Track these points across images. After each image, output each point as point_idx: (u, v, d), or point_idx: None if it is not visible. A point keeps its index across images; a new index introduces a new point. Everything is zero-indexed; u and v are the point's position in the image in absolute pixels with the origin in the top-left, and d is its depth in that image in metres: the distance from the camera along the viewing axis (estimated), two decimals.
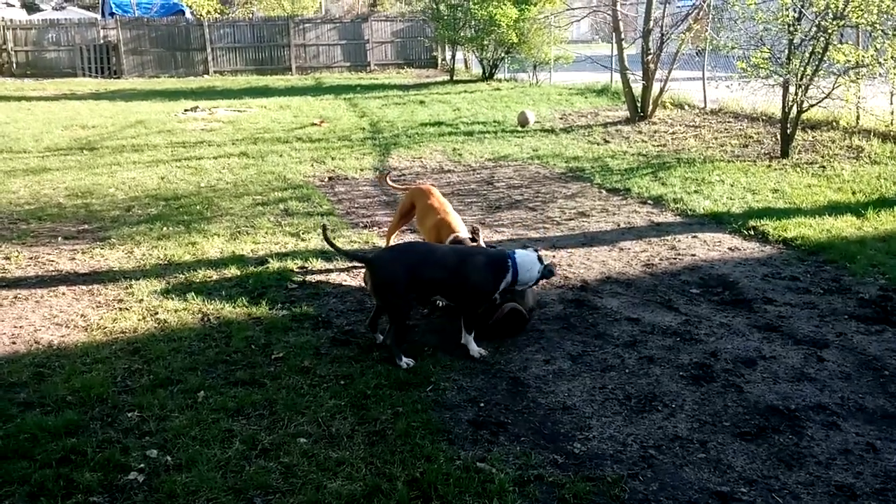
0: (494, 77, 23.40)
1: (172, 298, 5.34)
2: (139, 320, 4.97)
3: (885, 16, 9.39)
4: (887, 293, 5.35)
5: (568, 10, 20.69)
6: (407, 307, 4.40)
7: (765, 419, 3.70)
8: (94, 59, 26.82)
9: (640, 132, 12.63)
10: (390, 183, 6.79)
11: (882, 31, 9.40)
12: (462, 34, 22.99)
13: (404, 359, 4.30)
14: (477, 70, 25.27)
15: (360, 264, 4.43)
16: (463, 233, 5.21)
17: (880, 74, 9.71)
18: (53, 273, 6.00)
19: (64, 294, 5.51)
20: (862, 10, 9.20)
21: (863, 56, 9.47)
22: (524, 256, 4.48)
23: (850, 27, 10.23)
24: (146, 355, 4.43)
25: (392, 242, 6.08)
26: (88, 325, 4.91)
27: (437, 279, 4.36)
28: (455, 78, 23.87)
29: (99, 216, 7.74)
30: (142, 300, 5.33)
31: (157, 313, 5.08)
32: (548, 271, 4.56)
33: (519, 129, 13.32)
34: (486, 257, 4.47)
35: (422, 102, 17.15)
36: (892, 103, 10.89)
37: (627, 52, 14.52)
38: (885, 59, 9.37)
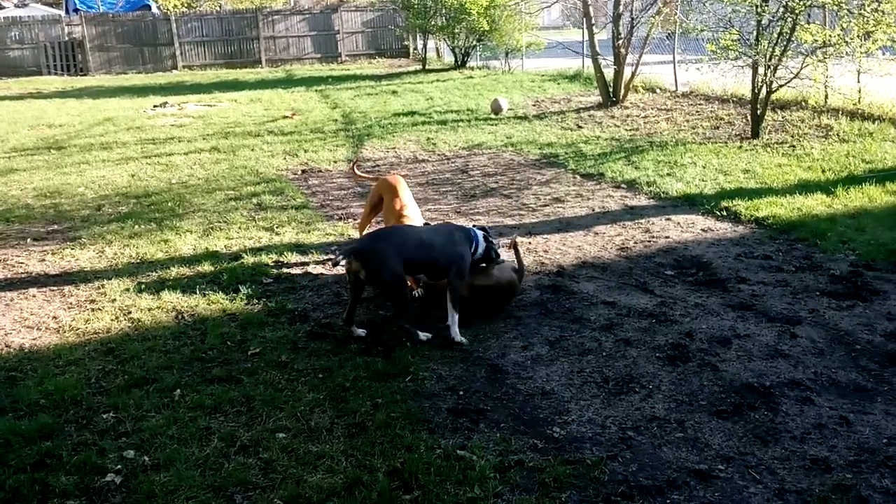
0: (467, 65, 23.34)
1: (145, 297, 5.28)
2: (112, 320, 4.91)
3: None
4: (857, 269, 5.43)
5: None
6: (405, 287, 4.49)
7: (740, 397, 3.74)
8: (60, 56, 26.35)
9: (612, 117, 12.68)
10: (357, 172, 6.76)
11: (848, 10, 9.50)
12: (433, 23, 22.90)
13: (421, 333, 4.47)
14: (449, 58, 25.19)
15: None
16: None
17: (847, 53, 9.81)
18: (23, 275, 5.90)
19: (34, 296, 5.42)
20: None
21: (829, 35, 9.56)
22: (475, 231, 4.84)
23: (817, 7, 10.33)
24: (120, 355, 4.38)
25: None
26: (60, 326, 4.84)
27: (422, 258, 4.52)
28: (427, 67, 23.77)
29: (68, 216, 7.62)
30: (114, 300, 5.26)
31: (130, 313, 5.02)
32: (493, 252, 4.84)
33: (492, 116, 13.31)
34: (459, 230, 4.78)
35: (394, 92, 17.06)
36: (858, 81, 11.02)
37: (598, 37, 14.54)
38: (851, 38, 9.48)
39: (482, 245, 4.78)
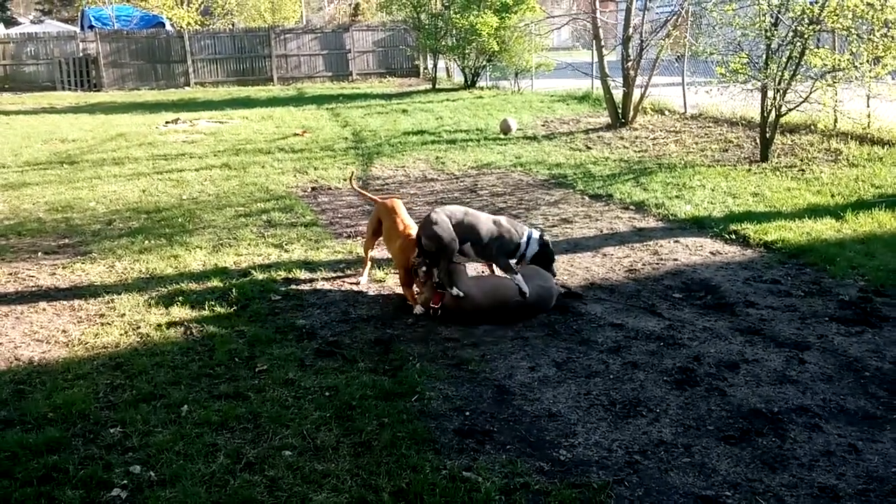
0: (476, 85, 23.49)
1: (155, 312, 5.31)
2: (121, 335, 4.93)
3: (859, 20, 9.52)
4: (867, 294, 5.41)
5: (548, 17, 20.84)
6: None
7: (748, 422, 3.72)
8: (74, 72, 26.65)
9: (621, 138, 12.72)
10: (355, 186, 6.88)
11: (857, 34, 9.53)
12: (443, 43, 23.09)
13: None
14: (459, 78, 25.36)
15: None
16: None
17: (856, 78, 9.83)
18: (34, 288, 5.94)
19: (44, 310, 5.46)
20: (837, 15, 9.33)
21: (839, 60, 9.59)
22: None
23: (826, 32, 10.37)
24: (128, 370, 4.39)
25: (370, 257, 6.06)
26: (70, 340, 4.87)
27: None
28: (437, 86, 23.93)
29: (80, 230, 7.68)
30: (123, 315, 5.29)
31: (139, 328, 5.04)
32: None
33: (501, 136, 13.37)
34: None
35: (404, 111, 17.17)
36: (868, 106, 11.03)
37: (608, 58, 14.64)
38: (860, 63, 9.51)
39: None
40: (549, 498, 3.13)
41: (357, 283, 5.88)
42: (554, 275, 5.42)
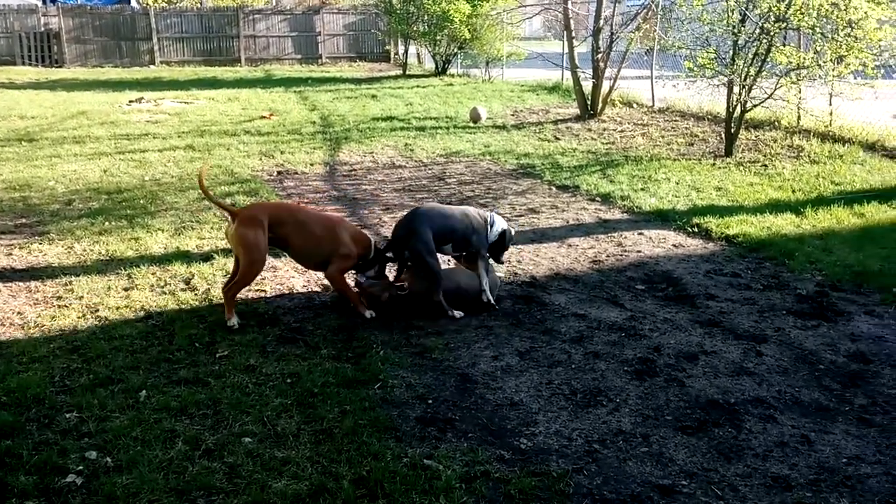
0: (447, 72, 23.41)
1: (114, 295, 5.21)
2: (79, 318, 4.84)
3: (824, 19, 9.68)
4: (823, 289, 5.53)
5: (520, 6, 20.80)
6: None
7: (705, 413, 3.79)
8: (35, 47, 25.89)
9: (589, 130, 12.79)
10: (203, 185, 4.99)
11: (822, 33, 9.70)
12: (415, 28, 22.93)
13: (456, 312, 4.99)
14: (430, 65, 25.22)
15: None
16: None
17: (820, 76, 10.01)
18: None
19: None
20: (802, 14, 9.48)
21: (803, 58, 9.76)
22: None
23: (792, 30, 10.53)
24: (86, 354, 4.31)
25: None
26: (25, 322, 4.76)
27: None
28: (408, 72, 23.79)
29: (37, 210, 7.50)
30: (82, 297, 5.18)
31: (97, 311, 4.95)
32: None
33: (471, 124, 13.35)
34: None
35: (374, 97, 17.05)
36: (830, 104, 11.24)
37: (578, 49, 14.67)
38: (824, 62, 9.68)
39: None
40: (509, 486, 3.15)
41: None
42: (501, 263, 5.48)
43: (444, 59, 23.41)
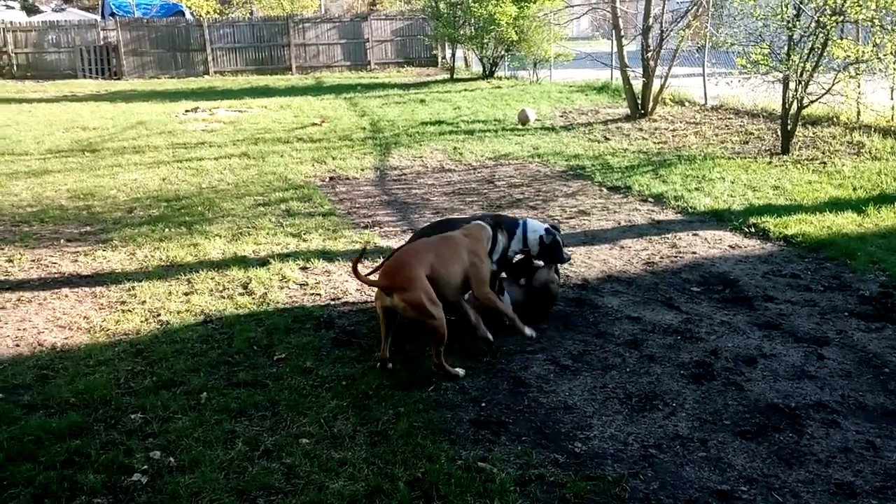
0: (495, 75, 23.40)
1: (174, 300, 5.37)
2: (142, 322, 4.99)
3: (883, 11, 9.39)
4: (888, 290, 5.36)
5: (567, 7, 20.67)
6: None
7: (765, 417, 3.71)
8: (95, 60, 26.84)
9: (640, 129, 12.63)
10: (358, 270, 4.25)
11: (881, 25, 9.40)
12: (462, 32, 22.99)
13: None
14: (477, 68, 25.26)
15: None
16: None
17: (880, 69, 9.72)
18: (56, 275, 6.02)
19: (67, 296, 5.53)
20: (860, 6, 9.20)
21: (862, 51, 9.47)
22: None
23: (850, 22, 10.23)
24: (149, 357, 4.45)
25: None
26: (91, 326, 4.94)
27: None
28: (455, 76, 23.87)
29: (101, 218, 7.76)
30: (144, 302, 5.35)
31: (159, 315, 5.10)
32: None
33: (519, 127, 13.33)
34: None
35: (422, 101, 17.15)
36: (892, 98, 10.89)
37: (627, 48, 14.52)
38: (884, 55, 9.38)
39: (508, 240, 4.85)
40: (564, 490, 3.14)
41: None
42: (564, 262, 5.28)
43: (491, 61, 23.42)
